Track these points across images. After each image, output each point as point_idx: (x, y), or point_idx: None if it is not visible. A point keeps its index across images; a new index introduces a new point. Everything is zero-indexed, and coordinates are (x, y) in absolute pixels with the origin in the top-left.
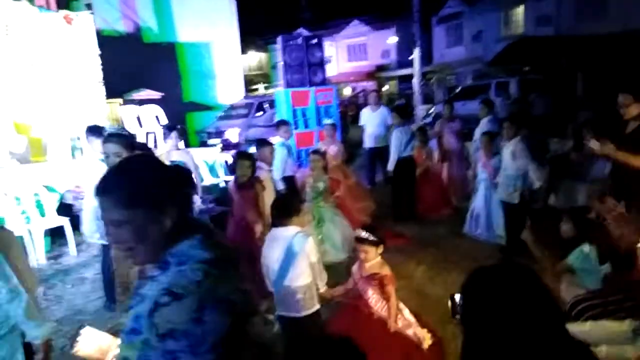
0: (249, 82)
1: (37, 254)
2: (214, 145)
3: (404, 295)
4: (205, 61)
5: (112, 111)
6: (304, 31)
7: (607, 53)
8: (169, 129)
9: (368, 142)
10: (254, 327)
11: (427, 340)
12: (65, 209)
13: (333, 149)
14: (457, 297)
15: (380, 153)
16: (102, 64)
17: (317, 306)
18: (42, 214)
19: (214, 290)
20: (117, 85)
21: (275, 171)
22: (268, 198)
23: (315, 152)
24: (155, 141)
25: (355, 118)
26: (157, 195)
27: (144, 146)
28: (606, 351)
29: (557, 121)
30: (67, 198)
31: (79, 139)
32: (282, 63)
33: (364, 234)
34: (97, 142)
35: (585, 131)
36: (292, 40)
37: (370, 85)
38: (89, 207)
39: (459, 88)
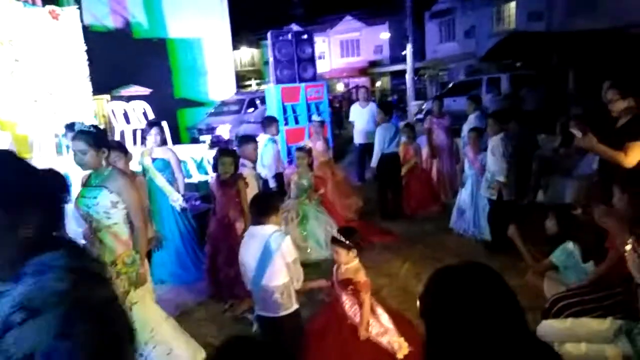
0: (241, 78)
1: None
2: (204, 142)
3: (389, 292)
4: (197, 57)
5: (99, 108)
6: (295, 27)
7: (598, 49)
8: (149, 125)
9: (357, 138)
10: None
11: (403, 350)
12: None
13: (320, 146)
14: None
15: (369, 149)
16: (91, 60)
17: (295, 306)
18: None
19: (86, 300)
20: (106, 81)
21: (266, 168)
22: (251, 195)
23: (301, 149)
24: (142, 138)
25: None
26: (14, 198)
27: (118, 144)
28: (586, 349)
29: (548, 117)
30: None
31: (64, 136)
32: (272, 59)
33: (337, 235)
34: None
35: (572, 125)
36: (282, 35)
37: (363, 81)
38: (71, 206)
39: (451, 84)
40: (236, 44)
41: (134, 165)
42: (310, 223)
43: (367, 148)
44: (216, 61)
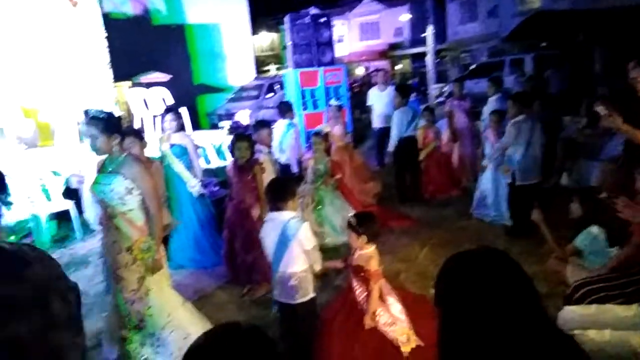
0: (261, 63)
1: (42, 237)
2: (223, 127)
3: (407, 277)
4: (215, 43)
5: (120, 95)
6: (314, 10)
7: (626, 27)
8: (165, 112)
9: (376, 122)
10: None
11: (410, 343)
12: (71, 193)
13: (338, 130)
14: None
15: (389, 133)
16: (111, 47)
17: (312, 294)
18: (48, 198)
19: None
20: (125, 68)
21: (285, 153)
22: (268, 180)
23: (317, 134)
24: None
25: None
26: None
27: (133, 131)
28: (610, 336)
29: (573, 98)
30: (71, 182)
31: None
32: (290, 43)
33: (351, 220)
34: None
35: (597, 105)
36: (299, 19)
37: (383, 64)
38: (88, 193)
39: (473, 66)
40: (255, 28)
41: (154, 152)
42: (326, 208)
43: (386, 132)
44: (235, 46)
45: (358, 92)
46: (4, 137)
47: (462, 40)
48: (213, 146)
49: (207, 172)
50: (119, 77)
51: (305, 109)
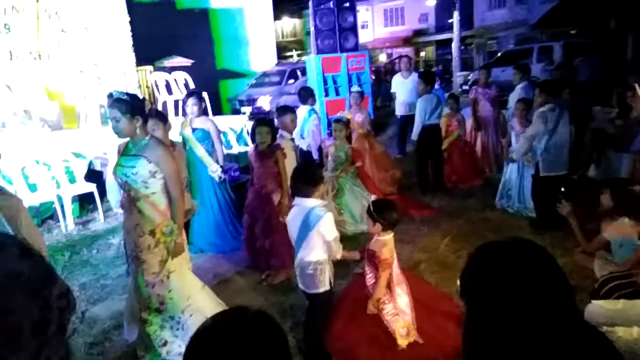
0: (283, 48)
1: (66, 220)
2: (245, 113)
3: (427, 268)
4: (238, 27)
5: (142, 78)
6: None
7: None
8: (187, 96)
9: (399, 110)
10: None
11: (409, 337)
12: (94, 175)
13: (359, 117)
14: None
15: (411, 121)
16: (134, 31)
17: (326, 287)
18: (72, 181)
19: None
20: (149, 52)
21: (306, 140)
22: (289, 166)
23: (338, 120)
24: (183, 108)
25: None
26: None
27: (157, 113)
28: (638, 334)
29: (604, 87)
30: (95, 165)
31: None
32: (313, 28)
33: (369, 206)
34: None
35: (629, 95)
36: (323, 4)
37: (407, 51)
38: (110, 175)
39: (499, 53)
40: (278, 13)
41: (175, 136)
42: (345, 196)
43: (409, 120)
44: (258, 31)
45: (380, 79)
46: (30, 119)
47: (488, 27)
48: (234, 131)
49: (228, 157)
50: (142, 60)
51: (326, 95)
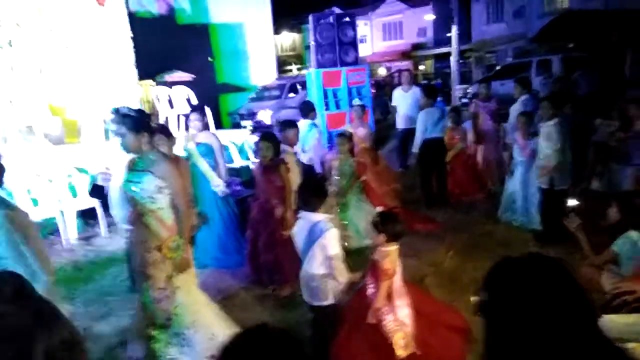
0: (282, 63)
1: (68, 235)
2: (246, 127)
3: (433, 282)
4: (238, 42)
5: (144, 93)
6: (336, 10)
7: None
8: (192, 110)
9: (400, 123)
10: None
11: (408, 349)
12: (97, 190)
13: (361, 132)
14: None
15: (412, 134)
16: (136, 46)
17: (329, 301)
18: (74, 195)
19: None
20: (150, 67)
21: (308, 153)
22: (293, 180)
23: (341, 134)
24: (186, 123)
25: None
26: None
27: (162, 128)
28: None
29: (603, 101)
30: (98, 180)
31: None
32: (313, 43)
33: (374, 217)
34: None
35: (631, 108)
36: (323, 18)
37: (405, 64)
38: (115, 190)
39: (498, 67)
40: (277, 28)
41: (178, 150)
42: (350, 211)
43: (410, 133)
44: (258, 46)
45: (379, 93)
46: (33, 135)
47: (487, 41)
48: (235, 145)
49: (230, 172)
50: (143, 75)
51: (327, 109)
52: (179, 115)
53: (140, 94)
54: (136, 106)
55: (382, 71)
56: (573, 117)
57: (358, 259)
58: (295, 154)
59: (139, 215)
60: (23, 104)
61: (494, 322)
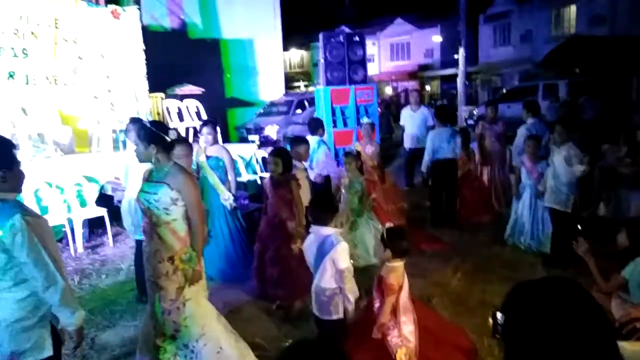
0: (290, 79)
1: (75, 244)
2: (254, 141)
3: (440, 302)
4: (248, 57)
5: (154, 105)
6: (345, 29)
7: None
8: (204, 124)
9: (407, 143)
10: None
11: None
12: (105, 200)
13: (370, 149)
14: (499, 315)
15: (419, 154)
16: (148, 59)
17: (339, 316)
18: (83, 204)
19: None
20: (161, 79)
21: (315, 170)
22: (304, 195)
23: (349, 153)
24: (195, 136)
25: (396, 118)
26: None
27: (184, 140)
28: None
29: (609, 126)
30: (107, 189)
31: (122, 131)
32: (322, 60)
33: (382, 232)
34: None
35: (638, 135)
36: (333, 37)
37: (412, 85)
38: (126, 201)
39: (504, 90)
40: (286, 45)
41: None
42: (360, 230)
43: (417, 153)
44: (267, 62)
45: (385, 112)
46: (44, 143)
47: (493, 64)
48: (243, 159)
49: (237, 185)
50: (154, 88)
51: (335, 126)
52: (188, 128)
53: (150, 106)
54: (145, 118)
55: (388, 90)
56: (580, 142)
57: (365, 276)
58: (305, 169)
59: (153, 226)
60: (35, 113)
61: (515, 344)
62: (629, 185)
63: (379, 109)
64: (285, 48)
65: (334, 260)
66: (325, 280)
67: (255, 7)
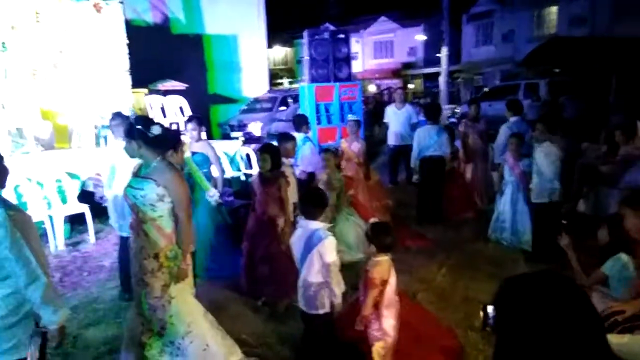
0: (274, 76)
1: (56, 241)
2: (237, 138)
3: (425, 298)
4: (232, 54)
5: (137, 101)
6: (329, 26)
7: None
8: (189, 119)
9: (391, 140)
10: None
11: (386, 358)
12: (86, 196)
13: (356, 146)
14: (490, 308)
15: (403, 151)
16: (130, 54)
17: (326, 310)
18: (64, 201)
19: None
20: (143, 75)
21: (300, 167)
22: (291, 192)
23: (327, 150)
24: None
25: (377, 115)
26: None
27: (174, 135)
28: None
29: (589, 125)
30: (88, 185)
31: (103, 127)
32: (307, 57)
33: (367, 228)
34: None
35: (618, 134)
36: (318, 34)
37: (395, 82)
38: (110, 197)
39: (487, 88)
40: (270, 42)
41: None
42: (339, 226)
43: (401, 150)
44: (251, 58)
45: (369, 109)
46: (23, 138)
47: (475, 63)
48: (227, 155)
49: (222, 183)
50: (136, 83)
51: (319, 123)
52: (171, 124)
53: (133, 101)
54: (128, 113)
55: (372, 88)
56: (561, 140)
57: (351, 272)
58: (291, 166)
59: (139, 222)
60: (15, 108)
61: (506, 337)
62: (608, 183)
63: (371, 105)
64: (269, 45)
65: (321, 253)
66: (312, 274)
67: (239, 3)
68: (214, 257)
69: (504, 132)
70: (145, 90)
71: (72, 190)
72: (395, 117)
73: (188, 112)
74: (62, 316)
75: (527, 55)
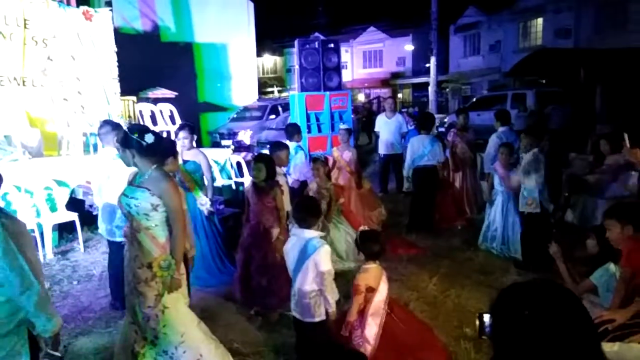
0: (263, 84)
1: (45, 249)
2: (227, 146)
3: (416, 306)
4: (221, 62)
5: (126, 108)
6: (320, 36)
7: (627, 67)
8: (180, 127)
9: (382, 149)
10: None
11: None
12: (75, 204)
13: (347, 155)
14: (486, 317)
15: (393, 160)
16: (119, 62)
17: (321, 318)
18: (53, 209)
19: None
20: (133, 82)
21: (293, 175)
22: (284, 200)
23: (317, 159)
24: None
25: (365, 124)
26: None
27: (171, 145)
28: None
29: (575, 135)
30: (78, 193)
31: (92, 135)
32: (297, 66)
33: (356, 236)
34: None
35: (603, 144)
36: (309, 43)
37: (384, 92)
38: (100, 204)
39: (474, 98)
40: (259, 51)
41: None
42: (330, 235)
43: (391, 159)
44: (240, 67)
45: (360, 118)
46: (11, 145)
47: (463, 73)
48: (218, 164)
49: (212, 191)
50: (126, 91)
51: (309, 132)
52: (161, 132)
53: (122, 109)
54: (117, 121)
55: (361, 97)
56: (548, 150)
57: (342, 280)
58: (284, 175)
59: (133, 231)
60: (2, 114)
61: (504, 345)
62: (595, 193)
63: (352, 115)
64: (259, 54)
65: (316, 262)
66: (307, 282)
67: (229, 12)
68: (205, 265)
69: (493, 141)
70: (134, 98)
71: (61, 198)
72: (385, 126)
73: (178, 120)
74: (56, 324)
75: (514, 65)
